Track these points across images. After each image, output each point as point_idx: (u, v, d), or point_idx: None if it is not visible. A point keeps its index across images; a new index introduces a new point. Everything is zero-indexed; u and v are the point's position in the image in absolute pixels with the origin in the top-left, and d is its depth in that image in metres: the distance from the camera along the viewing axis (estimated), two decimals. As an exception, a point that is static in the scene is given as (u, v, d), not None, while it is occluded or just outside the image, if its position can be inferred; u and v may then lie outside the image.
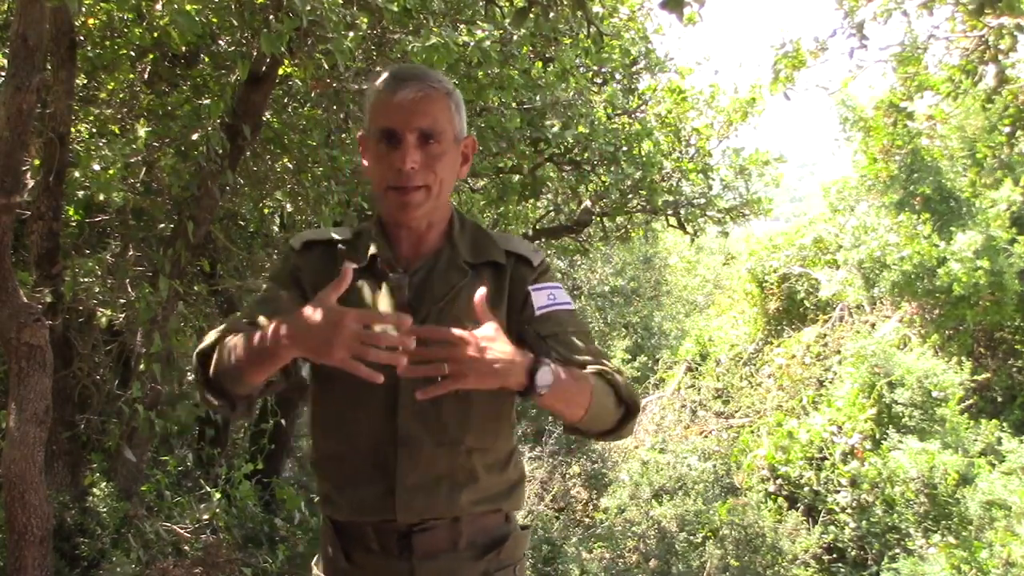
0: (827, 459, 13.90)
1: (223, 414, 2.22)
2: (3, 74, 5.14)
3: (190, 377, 7.43)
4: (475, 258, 2.49)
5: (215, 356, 2.30)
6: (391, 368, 2.11)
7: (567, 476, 15.88)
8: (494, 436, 2.51)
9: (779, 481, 14.27)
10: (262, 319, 2.34)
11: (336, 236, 2.57)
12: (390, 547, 2.45)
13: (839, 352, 16.37)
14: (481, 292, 2.22)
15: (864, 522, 12.82)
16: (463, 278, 2.45)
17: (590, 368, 2.41)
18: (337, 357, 2.01)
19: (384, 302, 2.44)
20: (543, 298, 2.48)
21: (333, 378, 2.32)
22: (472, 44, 6.13)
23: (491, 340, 2.12)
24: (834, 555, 12.90)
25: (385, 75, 2.44)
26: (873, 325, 16.69)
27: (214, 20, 5.93)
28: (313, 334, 2.04)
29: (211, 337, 2.36)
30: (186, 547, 6.52)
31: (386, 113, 2.36)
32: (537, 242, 12.91)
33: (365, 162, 2.52)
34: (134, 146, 5.73)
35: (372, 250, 2.48)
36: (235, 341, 2.26)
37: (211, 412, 6.98)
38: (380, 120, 2.38)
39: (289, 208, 7.72)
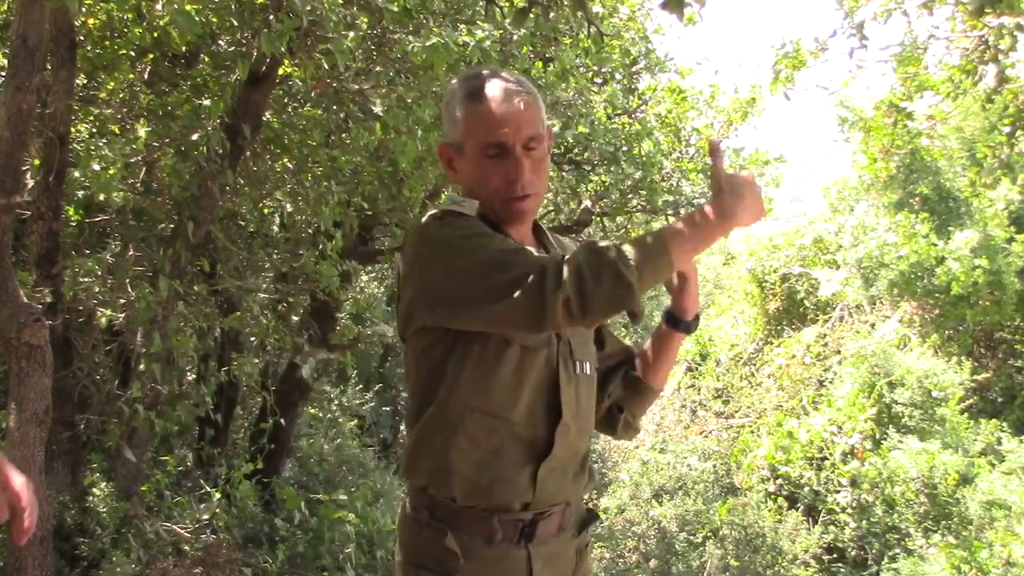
0: (827, 459, 13.92)
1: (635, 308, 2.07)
2: (3, 74, 5.14)
3: (190, 377, 7.44)
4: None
5: (633, 270, 2.15)
6: (549, 355, 2.43)
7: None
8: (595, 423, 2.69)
9: (779, 481, 14.28)
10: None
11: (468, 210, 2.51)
12: (512, 536, 2.44)
13: (839, 352, 16.38)
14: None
15: (864, 522, 12.84)
16: None
17: None
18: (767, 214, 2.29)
19: None
20: None
21: (507, 341, 2.37)
22: (472, 44, 6.12)
23: None
24: (834, 555, 12.92)
25: (472, 83, 2.44)
26: (873, 325, 16.71)
27: (214, 20, 5.93)
28: (758, 201, 2.26)
29: (624, 264, 2.17)
30: (186, 547, 6.52)
31: (491, 125, 2.38)
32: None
33: (451, 172, 2.55)
34: (134, 146, 5.73)
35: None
36: (662, 235, 2.23)
37: (211, 412, 6.98)
38: (485, 133, 2.39)
39: (289, 208, 7.72)
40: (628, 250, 2.17)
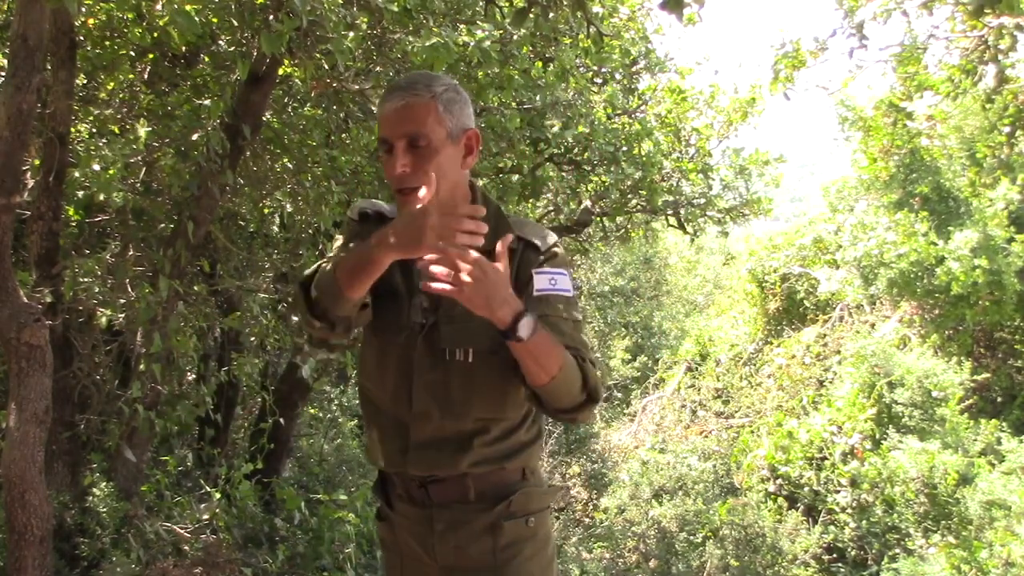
0: (827, 459, 13.91)
1: (323, 336, 2.87)
2: (3, 74, 5.14)
3: (190, 377, 7.44)
4: (489, 245, 2.60)
5: (315, 281, 2.72)
6: (407, 344, 2.74)
7: (567, 476, 15.91)
8: (501, 406, 2.78)
9: (779, 481, 14.27)
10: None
11: (386, 211, 2.91)
12: (414, 495, 2.82)
13: (839, 352, 16.37)
14: (507, 238, 2.52)
15: (864, 522, 12.84)
16: None
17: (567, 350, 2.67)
18: (428, 244, 2.37)
19: (408, 283, 2.78)
20: (544, 281, 2.73)
21: (371, 332, 2.85)
22: (472, 44, 6.13)
23: (495, 276, 2.42)
24: (834, 555, 12.91)
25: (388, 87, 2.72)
26: (873, 325, 16.70)
27: (214, 20, 5.93)
28: (408, 230, 2.40)
29: (309, 270, 2.79)
30: (186, 547, 6.52)
31: (380, 123, 2.68)
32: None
33: None
34: (134, 146, 5.73)
35: None
36: (334, 261, 2.66)
37: (211, 412, 6.98)
38: (379, 130, 2.65)
39: (289, 208, 7.72)
40: (321, 273, 2.72)
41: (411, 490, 2.81)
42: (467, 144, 2.71)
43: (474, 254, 2.38)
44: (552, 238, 2.82)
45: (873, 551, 12.58)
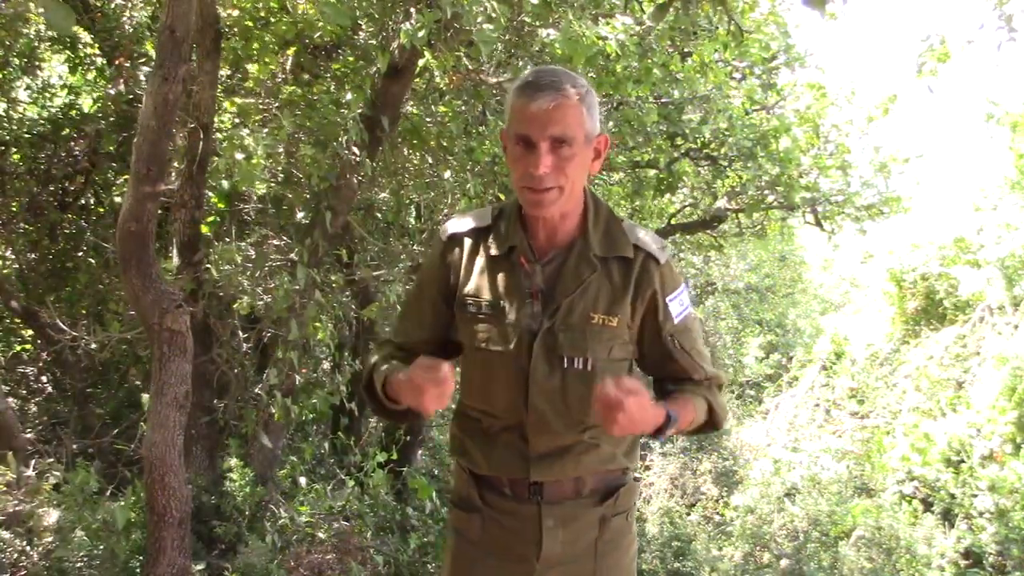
0: (964, 462, 13.61)
1: (397, 421, 3.22)
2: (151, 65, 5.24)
3: (326, 366, 7.52)
4: (605, 252, 2.72)
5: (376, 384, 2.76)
6: (519, 352, 2.68)
7: (697, 473, 15.82)
8: None
9: (914, 483, 14.01)
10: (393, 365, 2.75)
11: (478, 223, 2.83)
12: (521, 493, 2.79)
13: (979, 354, 16.02)
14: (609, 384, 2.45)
15: (1003, 527, 12.53)
16: (592, 272, 2.70)
17: (702, 391, 2.82)
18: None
19: (518, 290, 2.71)
20: (677, 307, 2.79)
21: (475, 349, 2.76)
22: (611, 37, 6.11)
23: (636, 401, 2.42)
24: (971, 560, 12.62)
25: (523, 79, 2.63)
26: (1016, 327, 16.31)
27: (359, 10, 5.98)
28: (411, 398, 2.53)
29: (368, 366, 2.86)
30: (320, 533, 6.60)
31: (522, 120, 2.54)
32: (671, 237, 12.88)
33: (505, 155, 2.71)
34: (276, 136, 5.81)
35: (511, 240, 2.74)
36: (380, 379, 2.74)
37: (344, 400, 7.07)
38: (517, 125, 2.56)
39: (425, 199, 7.77)
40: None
41: (519, 489, 2.80)
42: (596, 148, 2.68)
43: (616, 395, 2.39)
44: (668, 249, 2.83)
45: (1013, 558, 12.27)
